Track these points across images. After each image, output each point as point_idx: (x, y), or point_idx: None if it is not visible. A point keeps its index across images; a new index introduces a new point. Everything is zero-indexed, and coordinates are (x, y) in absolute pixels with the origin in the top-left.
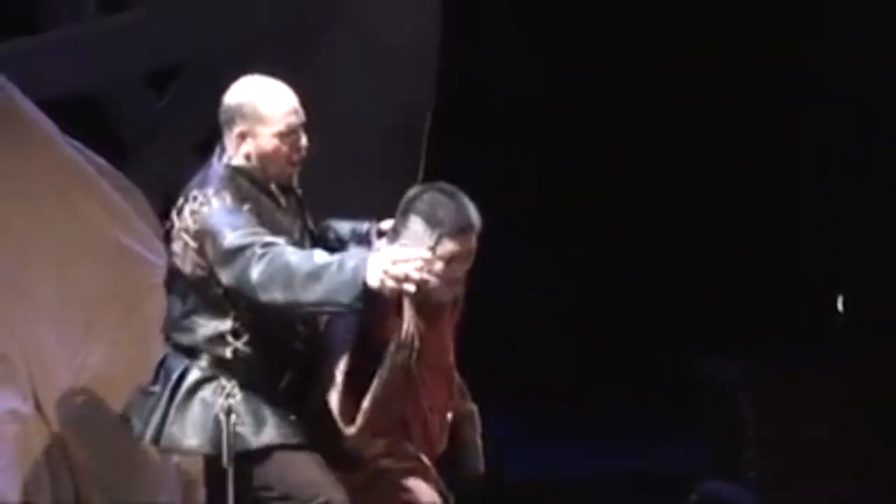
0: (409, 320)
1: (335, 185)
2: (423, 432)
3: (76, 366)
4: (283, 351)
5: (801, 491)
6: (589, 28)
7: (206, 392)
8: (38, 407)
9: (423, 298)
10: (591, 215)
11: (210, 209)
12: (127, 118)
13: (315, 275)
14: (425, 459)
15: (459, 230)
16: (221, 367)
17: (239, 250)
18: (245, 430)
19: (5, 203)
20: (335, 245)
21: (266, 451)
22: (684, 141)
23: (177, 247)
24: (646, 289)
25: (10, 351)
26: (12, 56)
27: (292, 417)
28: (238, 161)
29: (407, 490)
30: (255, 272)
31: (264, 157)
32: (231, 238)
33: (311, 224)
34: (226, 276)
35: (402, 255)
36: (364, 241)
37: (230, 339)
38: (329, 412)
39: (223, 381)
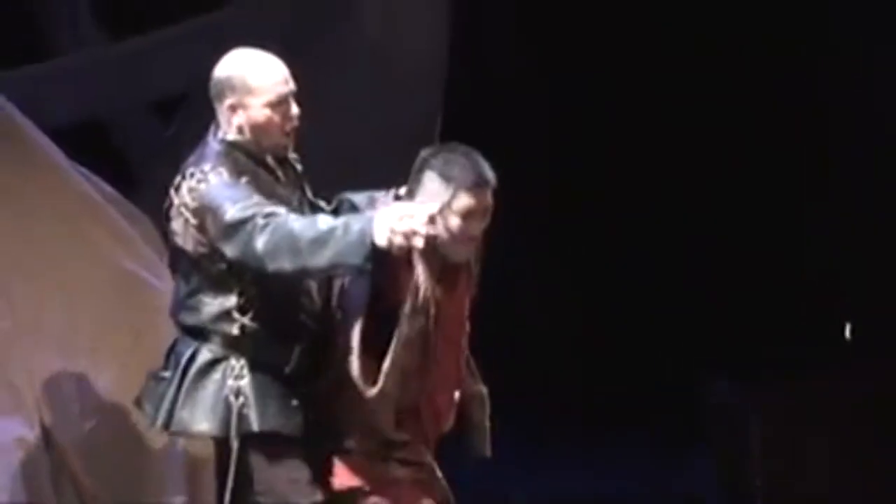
0: (424, 283)
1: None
2: (431, 406)
3: (83, 392)
4: (291, 325)
5: None
6: (589, 28)
7: (216, 374)
8: (46, 434)
9: (439, 258)
10: (595, 228)
11: (208, 185)
12: (133, 146)
13: (321, 239)
14: (437, 470)
15: (475, 184)
16: (230, 346)
17: (241, 223)
18: (250, 412)
19: (7, 224)
20: (348, 214)
21: (264, 437)
22: (684, 141)
23: (177, 225)
24: (651, 308)
25: (16, 378)
26: (19, 83)
27: (294, 403)
28: (232, 136)
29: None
30: (260, 243)
31: (257, 129)
32: (232, 212)
33: (310, 195)
34: (230, 250)
35: (408, 210)
36: (380, 206)
37: (236, 315)
38: (341, 390)
39: (232, 361)
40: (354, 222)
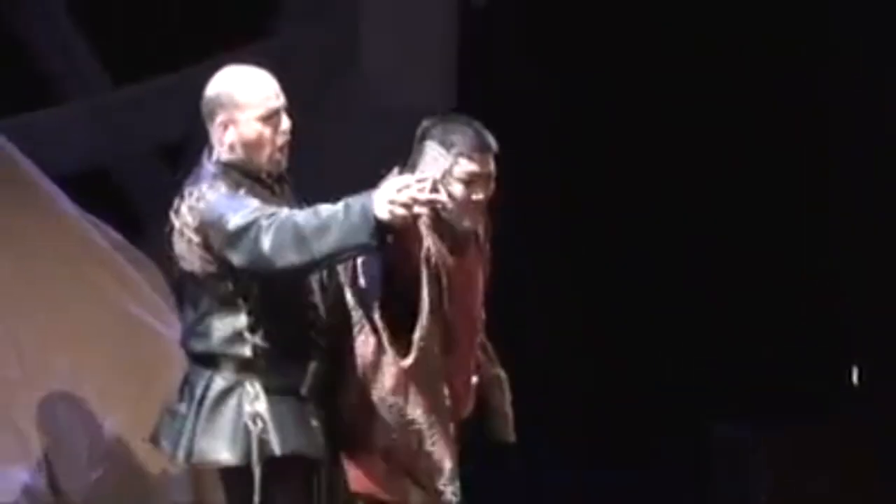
0: (434, 253)
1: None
2: (450, 390)
3: (90, 439)
4: (301, 342)
5: None
6: (588, 28)
7: (232, 401)
8: (53, 481)
9: (448, 228)
10: (597, 261)
11: (207, 201)
12: (139, 191)
13: (324, 226)
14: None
15: (475, 149)
16: (244, 370)
17: (244, 229)
18: (270, 437)
19: (11, 267)
20: None
21: (285, 461)
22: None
23: (180, 248)
24: (656, 348)
25: (23, 425)
26: (26, 129)
27: (314, 423)
28: (226, 155)
29: None
30: (266, 243)
31: (249, 144)
32: (234, 220)
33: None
34: (237, 258)
35: (405, 180)
36: None
37: (247, 335)
38: (357, 411)
39: (247, 386)
40: (354, 202)
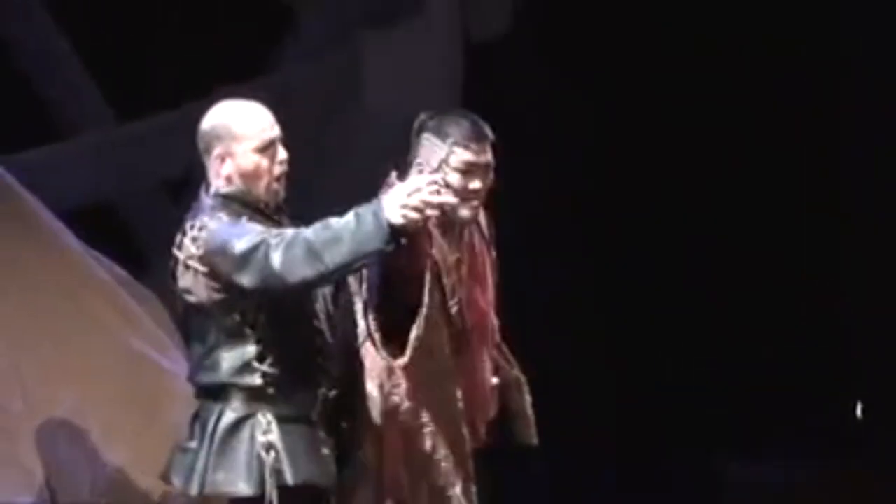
0: (436, 250)
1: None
2: (468, 394)
3: (94, 472)
4: (310, 368)
5: None
6: (588, 28)
7: (244, 433)
8: None
9: (447, 222)
10: (597, 296)
11: (209, 230)
12: (145, 226)
13: (336, 237)
14: None
15: (470, 139)
16: (254, 399)
17: (252, 251)
18: (283, 466)
19: (14, 300)
20: None
21: (297, 490)
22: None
23: (186, 281)
24: (661, 382)
25: (27, 459)
26: (30, 165)
27: (325, 451)
28: (224, 188)
29: None
30: (276, 261)
31: (246, 176)
32: (241, 244)
33: None
34: (248, 279)
35: (414, 183)
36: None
37: (256, 364)
38: (367, 436)
39: (259, 416)
40: (364, 211)
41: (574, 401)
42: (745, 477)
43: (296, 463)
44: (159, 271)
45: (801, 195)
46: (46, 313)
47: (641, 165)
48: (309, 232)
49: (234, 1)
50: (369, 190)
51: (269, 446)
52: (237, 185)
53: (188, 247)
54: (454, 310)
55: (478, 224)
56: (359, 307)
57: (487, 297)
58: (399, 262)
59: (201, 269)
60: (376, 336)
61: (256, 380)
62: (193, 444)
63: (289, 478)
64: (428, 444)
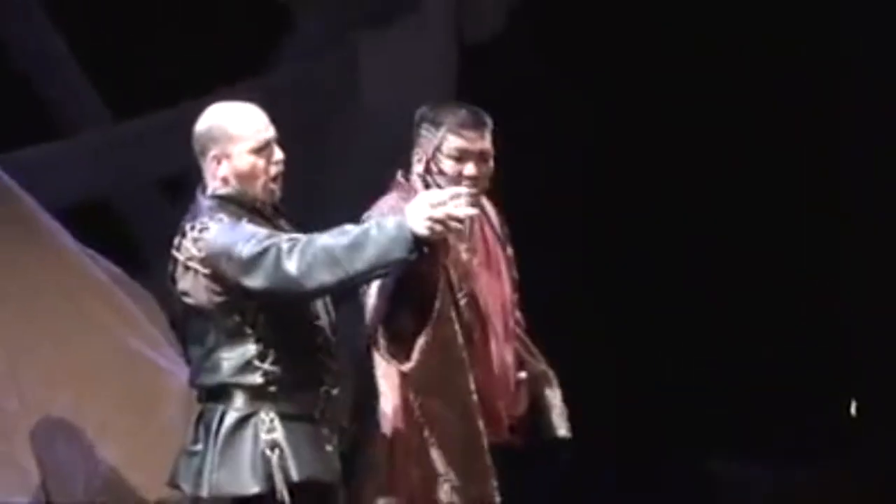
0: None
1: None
2: (490, 389)
3: (90, 471)
4: (311, 366)
5: None
6: (585, 27)
7: (247, 431)
8: None
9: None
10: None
11: (211, 233)
12: (141, 225)
13: (357, 244)
14: None
15: (464, 126)
16: (256, 398)
17: (261, 254)
18: (288, 463)
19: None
20: None
21: (302, 486)
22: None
23: (186, 284)
24: (657, 381)
25: (23, 458)
26: (26, 164)
27: (329, 448)
28: (221, 189)
29: None
30: (292, 266)
31: (243, 177)
32: (247, 248)
33: None
34: (256, 283)
35: (439, 196)
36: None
37: (257, 363)
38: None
39: (262, 415)
40: (385, 219)
41: (574, 401)
42: (744, 477)
43: (300, 460)
44: (155, 270)
45: (801, 195)
46: (43, 313)
47: (640, 165)
48: (326, 238)
49: (230, 1)
50: (367, 188)
51: (274, 444)
52: (233, 185)
53: (189, 249)
54: (463, 301)
55: (489, 220)
56: (369, 306)
57: (505, 287)
58: (418, 269)
59: (203, 271)
60: (383, 343)
61: (258, 378)
62: (198, 447)
63: (294, 474)
64: (444, 439)
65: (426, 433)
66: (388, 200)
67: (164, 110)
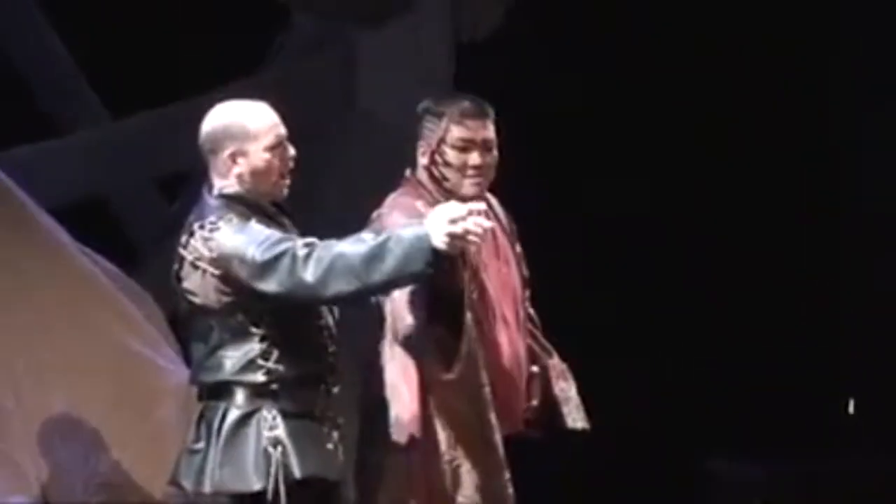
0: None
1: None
2: (499, 377)
3: (87, 472)
4: (314, 364)
5: None
6: (583, 26)
7: (250, 428)
8: None
9: (449, 197)
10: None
11: (222, 233)
12: (138, 223)
13: (375, 254)
14: None
15: (466, 115)
16: (258, 396)
17: (276, 259)
18: (290, 460)
19: (7, 298)
20: None
21: (304, 484)
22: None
23: (192, 283)
24: (652, 383)
25: (19, 457)
26: (24, 161)
27: (330, 446)
28: (232, 188)
29: None
30: (308, 273)
31: (257, 174)
32: (261, 251)
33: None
34: (270, 287)
35: (459, 211)
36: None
37: (261, 361)
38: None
39: (264, 412)
40: (404, 231)
41: None
42: (744, 477)
43: (303, 457)
44: (152, 268)
45: (801, 195)
46: (41, 312)
47: (640, 164)
48: (344, 246)
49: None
50: (364, 186)
51: (276, 441)
52: (247, 183)
53: (198, 248)
54: (474, 295)
55: (496, 215)
56: (388, 311)
57: (514, 279)
58: (438, 281)
59: (213, 271)
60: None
61: (260, 377)
62: (200, 445)
63: (296, 471)
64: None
65: (439, 427)
66: (396, 198)
67: (160, 108)
